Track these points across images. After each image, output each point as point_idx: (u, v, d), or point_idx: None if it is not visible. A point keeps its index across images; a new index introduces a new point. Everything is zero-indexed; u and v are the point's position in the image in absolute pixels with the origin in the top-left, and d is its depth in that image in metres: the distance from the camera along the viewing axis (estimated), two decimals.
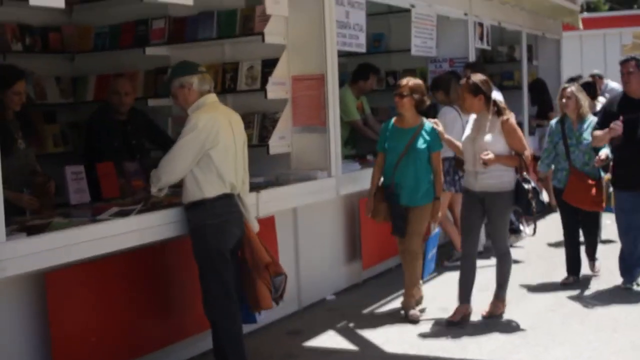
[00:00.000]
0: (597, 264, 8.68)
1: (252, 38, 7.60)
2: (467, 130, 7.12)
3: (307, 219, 7.77)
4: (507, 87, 13.14)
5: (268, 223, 7.02)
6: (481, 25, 11.03)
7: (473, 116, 7.12)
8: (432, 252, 7.84)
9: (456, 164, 8.94)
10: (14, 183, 5.78)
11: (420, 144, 7.17)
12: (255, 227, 5.82)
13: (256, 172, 7.77)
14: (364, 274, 8.65)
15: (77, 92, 8.84)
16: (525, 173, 6.91)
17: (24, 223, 5.25)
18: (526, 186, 6.87)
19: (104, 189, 6.42)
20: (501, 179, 6.89)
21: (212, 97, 5.74)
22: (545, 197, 10.08)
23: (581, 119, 8.17)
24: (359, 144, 9.88)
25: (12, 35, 8.15)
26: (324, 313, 7.60)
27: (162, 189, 5.62)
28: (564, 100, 8.20)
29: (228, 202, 5.55)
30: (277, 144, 7.58)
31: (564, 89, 8.31)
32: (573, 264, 8.48)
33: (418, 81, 7.34)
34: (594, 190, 8.02)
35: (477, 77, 6.97)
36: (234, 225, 5.59)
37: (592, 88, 9.74)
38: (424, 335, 6.80)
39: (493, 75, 13.58)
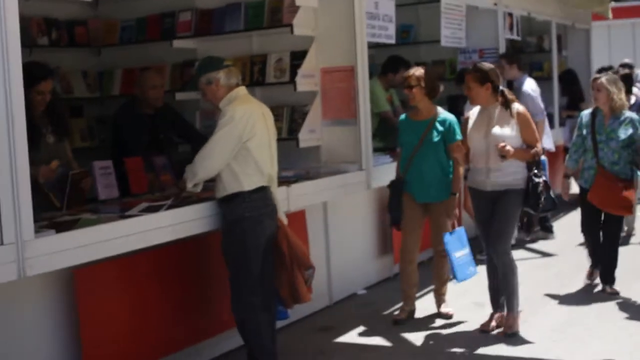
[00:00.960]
0: (612, 287, 7.70)
1: (280, 30, 7.50)
2: (472, 124, 6.60)
3: (338, 213, 7.66)
4: (536, 77, 12.93)
5: (298, 217, 6.93)
6: (511, 15, 10.87)
7: (476, 109, 6.65)
8: (460, 254, 6.86)
9: None
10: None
11: (435, 137, 6.83)
12: (285, 220, 5.73)
13: (286, 165, 7.69)
14: (395, 268, 8.49)
15: (104, 86, 8.77)
16: (535, 168, 6.39)
17: (52, 220, 5.16)
18: (536, 180, 6.33)
19: (132, 184, 6.32)
20: (515, 175, 6.39)
21: (243, 90, 5.65)
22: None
23: (614, 113, 7.39)
24: (388, 137, 9.73)
25: (38, 29, 8.09)
26: (355, 308, 7.50)
27: (198, 185, 5.54)
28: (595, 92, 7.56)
29: (264, 195, 5.48)
30: (307, 137, 7.47)
31: (595, 79, 7.63)
32: (596, 255, 7.89)
33: (423, 70, 7.00)
34: (623, 193, 7.31)
35: (485, 65, 6.60)
36: (270, 218, 5.52)
37: (628, 80, 9.33)
38: (458, 331, 6.66)
39: (522, 66, 13.45)
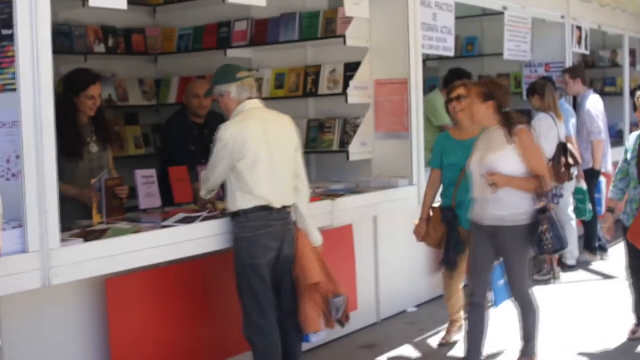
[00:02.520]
0: None
1: (334, 40, 7.42)
2: (475, 149, 5.84)
3: (388, 228, 7.50)
4: (609, 93, 12.67)
5: (345, 232, 6.81)
6: (579, 28, 10.60)
7: (484, 132, 5.83)
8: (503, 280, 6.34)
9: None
10: (82, 186, 5.77)
11: None
12: (316, 239, 5.53)
13: (336, 178, 7.62)
14: None
15: (160, 94, 8.78)
16: (543, 201, 5.52)
17: (85, 228, 5.13)
18: (539, 216, 5.49)
19: (176, 194, 6.27)
20: (516, 208, 5.55)
21: (250, 104, 5.43)
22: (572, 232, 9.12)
23: None
24: None
25: (95, 36, 8.12)
26: (402, 326, 7.33)
27: (210, 192, 5.48)
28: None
29: (264, 216, 5.23)
30: (358, 150, 7.35)
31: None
32: None
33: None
34: None
35: (492, 80, 6.05)
36: (271, 239, 5.26)
37: None
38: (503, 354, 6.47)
39: (594, 81, 13.16)
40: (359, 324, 7.04)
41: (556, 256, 9.00)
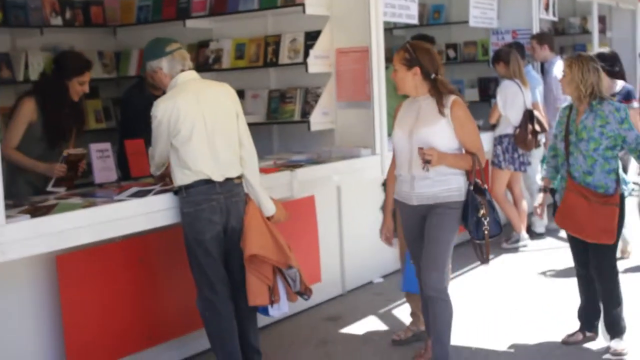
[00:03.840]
0: (620, 344, 5.59)
1: (294, 9, 7.27)
2: (398, 119, 5.29)
3: (352, 198, 7.42)
4: None
5: (307, 203, 6.71)
6: None
7: (407, 102, 5.30)
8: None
9: (516, 141, 8.56)
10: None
11: None
12: (267, 209, 5.36)
13: (298, 149, 7.52)
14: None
15: (120, 66, 8.64)
16: (478, 180, 5.08)
17: (35, 204, 5.01)
18: (479, 198, 5.03)
19: (132, 168, 6.14)
20: (447, 184, 5.05)
21: (183, 77, 5.21)
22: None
23: (585, 104, 5.50)
24: None
25: (51, 9, 7.95)
26: (368, 297, 7.27)
27: (160, 168, 5.34)
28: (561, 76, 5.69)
29: (205, 190, 5.08)
30: (319, 120, 7.25)
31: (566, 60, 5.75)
32: (586, 313, 5.85)
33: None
34: (601, 212, 5.41)
35: (416, 43, 5.26)
36: (214, 213, 5.11)
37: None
38: (469, 324, 6.40)
39: (564, 47, 13.10)
40: (323, 295, 6.99)
41: (525, 223, 8.99)
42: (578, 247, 5.69)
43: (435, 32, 10.02)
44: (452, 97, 5.08)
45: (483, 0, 9.40)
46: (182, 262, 5.29)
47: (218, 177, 5.09)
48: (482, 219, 5.04)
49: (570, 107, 5.63)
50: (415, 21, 8.12)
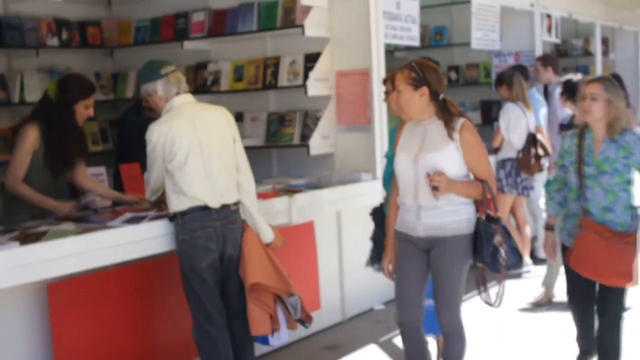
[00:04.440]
0: None
1: (293, 31, 7.20)
2: (401, 143, 4.86)
3: (353, 224, 7.25)
4: None
5: (306, 229, 6.56)
6: (549, 16, 10.39)
7: (409, 126, 4.87)
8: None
9: (519, 165, 8.42)
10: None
11: None
12: (265, 236, 5.23)
13: (298, 173, 7.39)
14: None
15: (117, 88, 8.53)
16: (490, 211, 4.69)
17: (26, 230, 4.87)
18: (493, 226, 4.62)
19: (127, 192, 6.03)
20: (457, 215, 4.66)
21: (179, 100, 5.07)
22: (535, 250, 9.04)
23: (612, 134, 4.94)
24: None
25: (47, 29, 7.88)
26: (368, 325, 7.10)
27: (155, 193, 5.17)
28: (585, 102, 4.98)
29: (201, 216, 4.94)
30: (319, 143, 7.14)
31: (588, 83, 5.06)
32: (589, 339, 5.41)
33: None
34: (620, 253, 4.88)
35: (422, 61, 4.82)
36: (210, 240, 4.96)
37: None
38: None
39: (567, 69, 12.96)
40: (323, 323, 6.83)
41: (528, 248, 8.84)
42: (583, 281, 5.11)
43: (437, 54, 9.96)
44: (462, 120, 4.66)
45: (485, 22, 9.29)
46: (177, 291, 5.14)
47: (214, 204, 4.95)
48: (499, 247, 4.61)
49: (579, 135, 5.03)
50: (416, 43, 8.00)
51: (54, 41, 7.92)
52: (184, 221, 4.92)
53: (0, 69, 7.71)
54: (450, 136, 4.62)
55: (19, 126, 5.76)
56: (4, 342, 4.69)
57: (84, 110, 5.71)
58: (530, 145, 8.41)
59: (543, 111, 9.02)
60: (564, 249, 5.21)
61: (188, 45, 7.78)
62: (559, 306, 7.24)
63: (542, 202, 8.81)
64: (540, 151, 8.49)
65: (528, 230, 8.90)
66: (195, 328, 5.05)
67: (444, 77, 10.29)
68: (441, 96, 4.69)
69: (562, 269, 5.67)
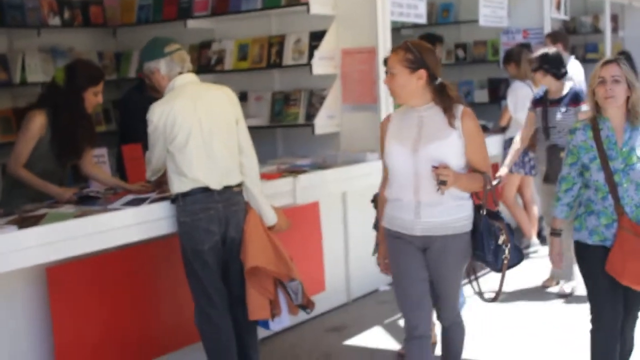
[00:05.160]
0: None
1: (298, 9, 7.10)
2: (392, 133, 4.37)
3: (358, 204, 7.14)
4: (591, 60, 12.32)
5: (310, 210, 6.49)
6: None
7: (399, 113, 4.45)
8: None
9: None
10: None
11: None
12: (269, 219, 5.13)
13: (303, 153, 7.30)
14: None
15: (120, 68, 8.44)
16: (489, 204, 4.34)
17: (24, 213, 4.80)
18: (497, 224, 4.30)
19: (129, 174, 5.92)
20: (459, 212, 4.27)
21: (182, 80, 4.97)
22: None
23: (633, 120, 4.33)
24: None
25: (49, 9, 7.78)
26: (374, 306, 7.04)
27: (156, 173, 5.09)
28: (607, 86, 4.27)
29: (202, 198, 4.85)
30: (324, 123, 7.05)
31: (604, 64, 4.34)
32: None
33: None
34: None
35: (418, 42, 4.36)
36: (212, 222, 4.88)
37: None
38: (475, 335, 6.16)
39: (576, 47, 12.84)
40: (328, 304, 6.77)
41: (535, 228, 8.76)
42: (613, 293, 4.38)
43: (443, 32, 9.88)
44: (461, 107, 4.26)
45: None
46: (179, 274, 5.06)
47: (216, 185, 4.86)
48: (503, 246, 4.28)
49: (592, 127, 4.36)
50: (423, 20, 7.90)
51: (55, 20, 7.83)
52: (185, 203, 4.84)
53: (1, 49, 7.62)
54: (451, 124, 4.19)
55: (25, 111, 5.65)
56: (3, 327, 4.62)
57: (93, 97, 5.57)
58: None
59: None
60: (583, 251, 4.47)
61: (191, 24, 7.68)
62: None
63: None
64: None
65: (535, 210, 8.80)
66: (197, 312, 4.98)
67: (450, 56, 10.35)
68: (438, 80, 4.23)
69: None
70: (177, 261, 5.01)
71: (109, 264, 4.99)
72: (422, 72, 4.18)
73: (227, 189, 4.92)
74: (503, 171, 7.05)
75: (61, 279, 4.73)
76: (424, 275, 4.37)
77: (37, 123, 5.44)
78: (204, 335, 4.99)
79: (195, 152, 4.80)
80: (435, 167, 4.11)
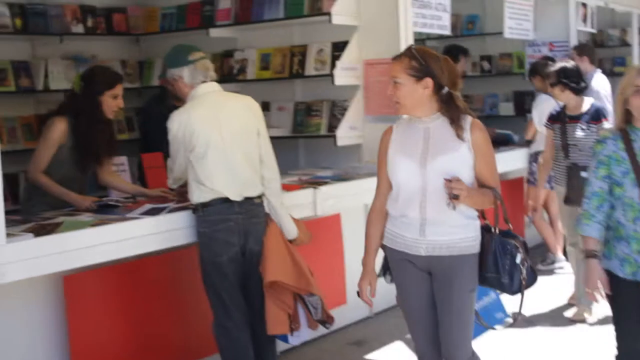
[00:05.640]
0: None
1: (321, 18, 7.02)
2: (396, 145, 4.11)
3: None
4: (619, 73, 12.18)
5: (332, 222, 6.42)
6: (584, 5, 10.12)
7: (402, 124, 4.18)
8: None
9: None
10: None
11: None
12: (290, 232, 5.07)
13: (325, 164, 7.25)
14: None
15: (144, 76, 8.41)
16: (500, 221, 4.03)
17: (41, 221, 4.76)
18: (512, 242, 3.97)
19: (149, 182, 5.92)
20: (467, 232, 3.97)
21: (204, 89, 4.93)
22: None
23: None
24: None
25: (72, 16, 7.77)
26: (396, 320, 6.89)
27: (178, 181, 5.03)
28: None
29: (223, 209, 4.79)
30: (346, 134, 6.97)
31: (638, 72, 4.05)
32: None
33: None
34: None
35: (424, 48, 4.06)
36: (232, 234, 4.83)
37: None
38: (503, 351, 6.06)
39: (603, 60, 12.71)
40: (349, 318, 6.69)
41: (561, 244, 8.64)
42: None
43: (469, 44, 9.78)
44: (469, 118, 4.00)
45: (519, 11, 9.07)
46: (196, 285, 5.01)
47: (236, 197, 4.80)
48: (520, 265, 3.94)
49: (622, 138, 4.02)
50: (447, 32, 7.81)
51: (79, 28, 7.83)
52: (205, 213, 4.79)
53: (25, 56, 7.63)
54: (459, 136, 3.91)
55: (46, 118, 5.64)
56: (20, 334, 4.60)
57: (111, 101, 5.51)
58: None
59: None
60: (612, 282, 4.05)
61: (214, 32, 7.65)
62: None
63: None
64: None
65: (561, 225, 8.68)
66: (215, 324, 4.92)
67: (475, 68, 10.24)
68: (445, 89, 3.93)
69: None
70: (195, 271, 4.96)
71: (127, 273, 4.96)
72: (429, 81, 3.91)
73: (247, 200, 4.86)
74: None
75: (78, 288, 4.71)
76: (430, 301, 4.06)
77: (58, 130, 5.41)
78: (222, 348, 4.92)
79: (215, 163, 4.75)
80: (448, 180, 3.80)
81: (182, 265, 5.25)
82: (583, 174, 6.09)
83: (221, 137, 4.78)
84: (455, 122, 3.93)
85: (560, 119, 6.60)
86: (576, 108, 6.57)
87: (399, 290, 4.20)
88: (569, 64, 6.83)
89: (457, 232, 3.94)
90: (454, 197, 3.77)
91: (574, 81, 6.57)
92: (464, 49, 9.08)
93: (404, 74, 3.92)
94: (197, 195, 4.79)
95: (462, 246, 3.95)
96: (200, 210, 4.80)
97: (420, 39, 10.01)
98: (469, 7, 10.45)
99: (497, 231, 3.99)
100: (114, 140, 5.77)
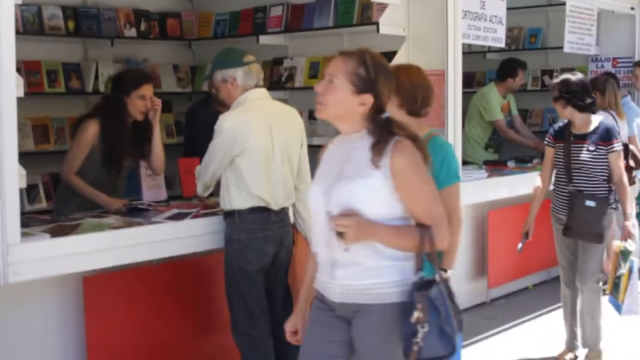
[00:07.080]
0: None
1: (369, 28, 6.95)
2: (320, 166, 3.51)
3: None
4: None
5: None
6: None
7: (337, 140, 3.49)
8: None
9: None
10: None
11: None
12: None
13: None
14: (490, 293, 7.80)
15: (196, 81, 8.45)
16: (440, 270, 3.30)
17: (59, 222, 4.80)
18: (417, 295, 3.12)
19: (184, 187, 5.89)
20: (380, 277, 3.22)
21: (255, 94, 4.87)
22: None
23: None
24: (502, 148, 9.01)
25: (125, 20, 7.84)
26: None
27: (207, 188, 4.94)
28: None
29: (261, 218, 4.74)
30: None
31: None
32: None
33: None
34: None
35: (377, 57, 3.32)
36: (268, 244, 4.78)
37: None
38: None
39: None
40: None
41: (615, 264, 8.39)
42: None
43: (531, 57, 9.65)
44: (397, 138, 3.23)
45: (580, 25, 8.85)
46: (218, 291, 5.00)
47: (275, 206, 4.78)
48: (415, 327, 3.11)
49: None
50: (502, 45, 7.66)
51: (131, 32, 7.91)
52: (242, 221, 4.73)
53: (76, 58, 7.72)
54: (374, 161, 3.20)
55: (82, 121, 5.67)
56: (38, 333, 4.63)
57: (139, 101, 5.52)
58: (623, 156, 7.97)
59: (638, 121, 8.54)
60: None
61: (263, 39, 7.63)
62: None
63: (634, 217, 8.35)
64: (632, 163, 8.04)
65: (614, 244, 8.43)
66: (237, 333, 4.87)
67: (536, 82, 10.02)
68: (386, 114, 3.29)
69: None
70: (215, 279, 4.93)
71: (147, 277, 4.96)
72: (368, 98, 3.24)
73: (282, 210, 4.85)
74: (525, 229, 6.04)
75: (97, 289, 4.71)
76: (334, 353, 3.40)
77: (89, 132, 5.46)
78: (244, 357, 4.88)
79: (262, 170, 4.72)
80: (331, 216, 3.18)
81: (203, 271, 5.23)
82: (589, 202, 5.70)
83: (272, 145, 4.75)
84: (375, 145, 3.22)
85: (564, 137, 5.96)
86: (582, 127, 5.90)
87: (305, 331, 3.57)
88: (575, 76, 6.16)
89: (369, 276, 3.23)
90: (339, 235, 3.13)
91: (578, 96, 5.90)
92: (522, 62, 8.91)
93: (344, 78, 3.25)
94: (236, 201, 4.72)
95: (378, 293, 3.22)
96: (237, 216, 4.73)
97: (481, 51, 9.87)
98: (532, 21, 10.24)
99: (415, 280, 3.20)
100: (136, 140, 5.70)
